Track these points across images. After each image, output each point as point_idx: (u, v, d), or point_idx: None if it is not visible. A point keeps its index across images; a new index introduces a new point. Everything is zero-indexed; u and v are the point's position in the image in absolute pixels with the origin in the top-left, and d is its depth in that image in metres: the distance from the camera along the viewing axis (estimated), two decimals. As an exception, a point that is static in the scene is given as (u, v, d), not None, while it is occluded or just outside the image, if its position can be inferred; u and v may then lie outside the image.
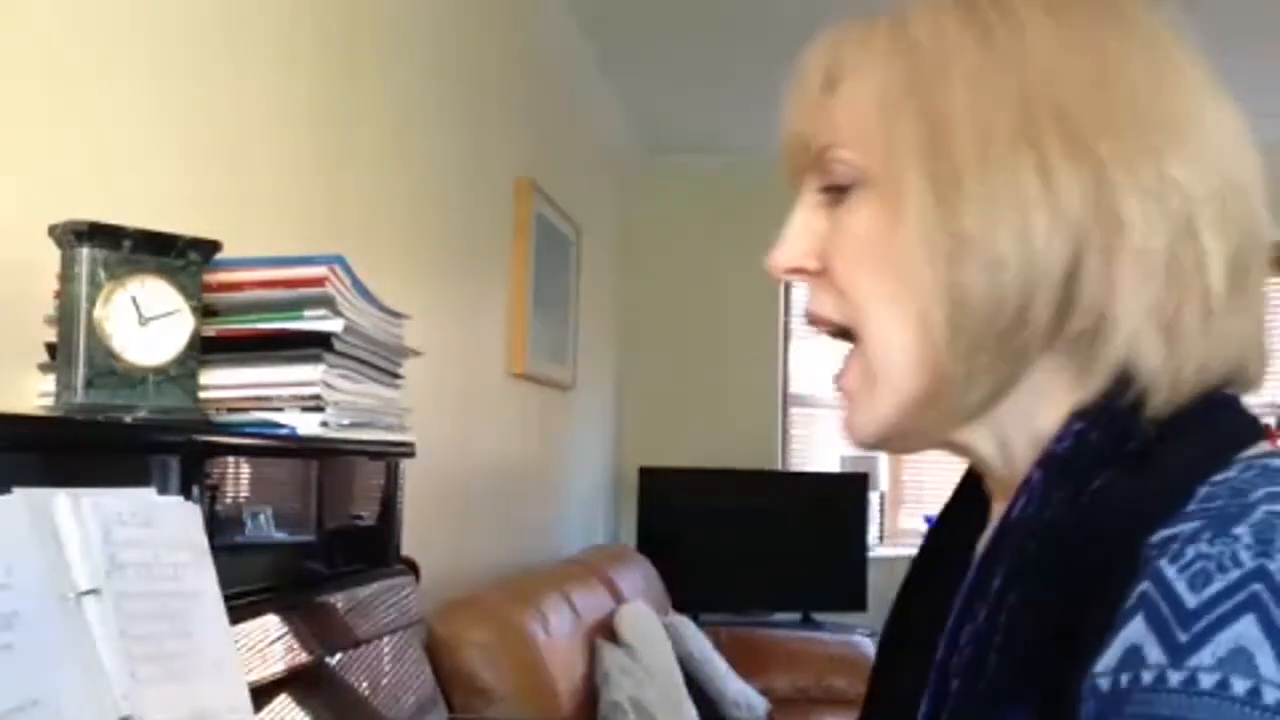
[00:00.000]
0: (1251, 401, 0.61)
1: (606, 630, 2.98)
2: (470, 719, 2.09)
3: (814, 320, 0.66)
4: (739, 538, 4.36)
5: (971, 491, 0.70)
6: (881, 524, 5.17)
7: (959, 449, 0.65)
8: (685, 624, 3.56)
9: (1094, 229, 0.56)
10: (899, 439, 0.64)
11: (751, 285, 3.89)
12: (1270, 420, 4.27)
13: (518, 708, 2.21)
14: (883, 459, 5.12)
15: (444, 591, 2.30)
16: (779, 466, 5.00)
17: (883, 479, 5.11)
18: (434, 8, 2.49)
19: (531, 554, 3.31)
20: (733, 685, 3.47)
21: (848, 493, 4.57)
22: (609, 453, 4.74)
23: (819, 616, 4.45)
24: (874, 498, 4.88)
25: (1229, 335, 0.58)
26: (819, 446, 5.14)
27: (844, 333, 0.64)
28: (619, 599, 3.25)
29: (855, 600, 4.39)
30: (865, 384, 0.63)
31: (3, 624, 0.72)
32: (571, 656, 2.67)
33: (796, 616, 4.46)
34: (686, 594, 4.03)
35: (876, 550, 4.84)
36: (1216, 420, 0.58)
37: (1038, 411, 0.60)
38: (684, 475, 4.46)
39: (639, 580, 3.65)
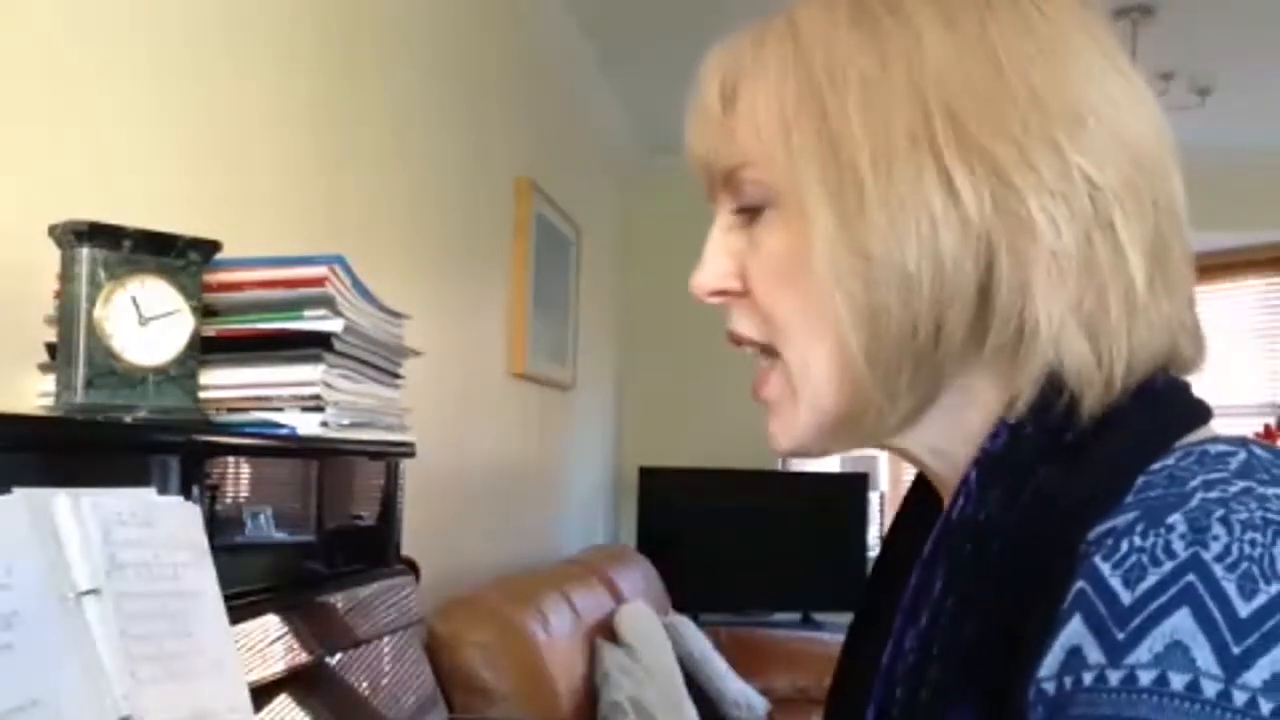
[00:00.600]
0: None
1: (606, 630, 2.98)
2: (470, 719, 2.09)
3: (737, 340, 0.65)
4: (739, 538, 4.36)
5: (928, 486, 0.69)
6: (881, 524, 5.17)
7: (894, 452, 0.64)
8: (685, 624, 3.56)
9: (1001, 235, 0.55)
10: (823, 448, 0.64)
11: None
12: (1270, 420, 4.27)
13: (518, 708, 2.21)
14: (883, 459, 5.12)
15: (444, 591, 2.30)
16: (779, 466, 4.99)
17: (883, 479, 5.12)
18: (434, 8, 2.49)
19: (531, 554, 3.31)
20: (733, 685, 3.47)
21: (848, 493, 4.58)
22: (609, 453, 4.74)
23: (819, 616, 4.45)
24: (874, 498, 4.88)
25: (1156, 321, 0.57)
26: (819, 446, 5.14)
27: (768, 350, 0.63)
28: (619, 599, 3.25)
29: (855, 600, 4.37)
30: (787, 395, 0.62)
31: (3, 624, 0.72)
32: (571, 656, 2.67)
33: (796, 616, 4.46)
34: (686, 594, 4.03)
35: (876, 550, 4.83)
36: (1155, 408, 0.56)
37: (967, 417, 0.60)
38: (684, 475, 4.46)
39: (639, 580, 3.65)
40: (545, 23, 3.44)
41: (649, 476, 4.46)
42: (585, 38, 3.73)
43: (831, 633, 4.27)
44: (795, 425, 0.62)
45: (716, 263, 0.63)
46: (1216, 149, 3.88)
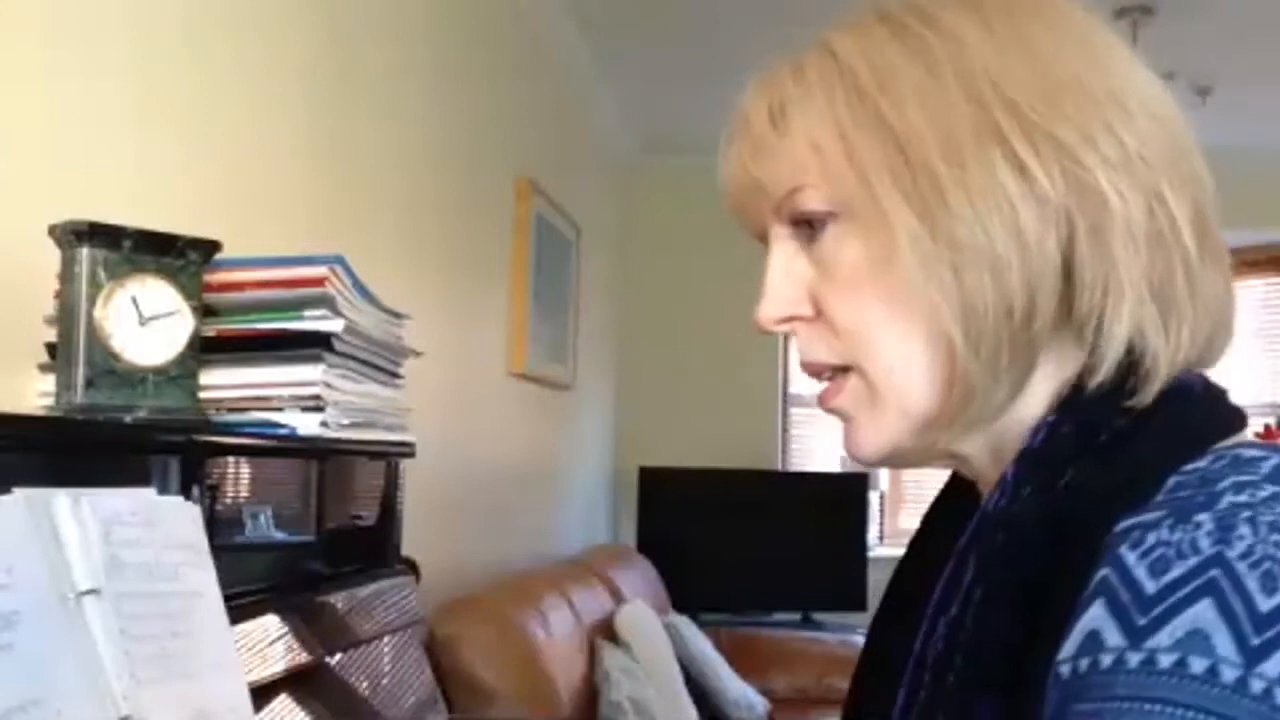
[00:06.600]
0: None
1: (606, 630, 2.98)
2: (470, 719, 2.09)
3: (814, 371, 0.65)
4: (739, 538, 4.36)
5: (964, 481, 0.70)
6: (881, 524, 5.17)
7: (957, 459, 0.65)
8: (685, 624, 3.56)
9: (1078, 210, 0.57)
10: (903, 457, 0.65)
11: (751, 285, 3.84)
12: (1270, 420, 4.27)
13: (518, 708, 2.21)
14: (883, 459, 5.11)
15: (444, 591, 2.30)
16: (779, 466, 5.00)
17: (883, 479, 5.11)
18: (434, 8, 2.49)
19: (531, 554, 3.31)
20: (733, 685, 3.47)
21: (848, 493, 4.57)
22: (609, 453, 4.74)
23: (819, 616, 4.45)
24: (874, 498, 4.88)
25: (1208, 295, 0.60)
26: (819, 446, 5.14)
27: (841, 370, 0.64)
28: (619, 599, 3.25)
29: (855, 600, 4.39)
30: (866, 405, 0.63)
31: (3, 624, 0.72)
32: (571, 656, 2.67)
33: (796, 616, 4.46)
34: (686, 594, 4.03)
35: (876, 550, 4.84)
36: (1191, 411, 0.58)
37: (1039, 405, 0.61)
38: (684, 475, 4.46)
39: (639, 580, 3.65)
40: (545, 23, 3.44)
41: (649, 476, 4.46)
42: (585, 38, 3.73)
43: (832, 633, 4.27)
44: (884, 432, 0.63)
45: (784, 290, 0.64)
46: (1216, 149, 3.85)
